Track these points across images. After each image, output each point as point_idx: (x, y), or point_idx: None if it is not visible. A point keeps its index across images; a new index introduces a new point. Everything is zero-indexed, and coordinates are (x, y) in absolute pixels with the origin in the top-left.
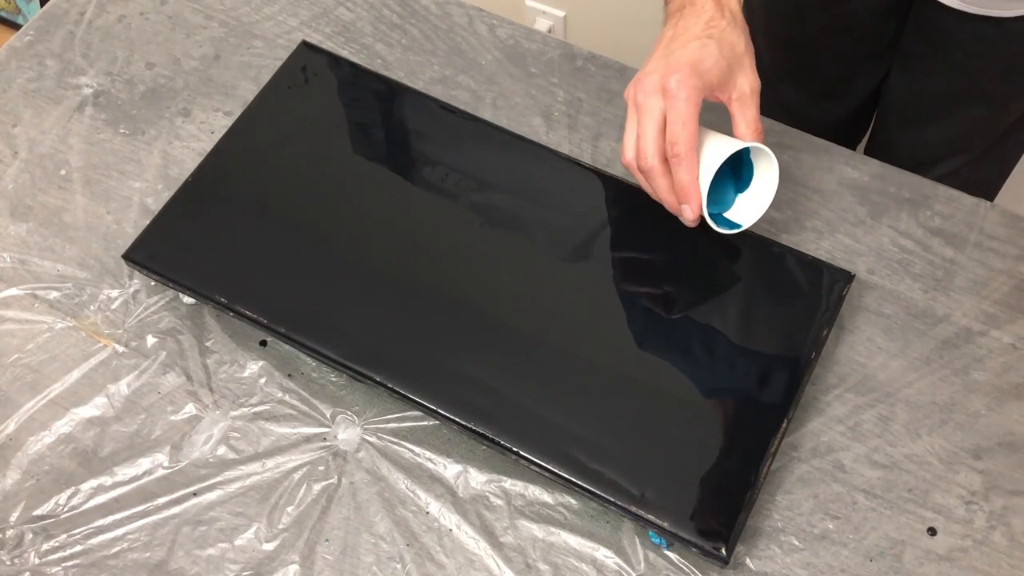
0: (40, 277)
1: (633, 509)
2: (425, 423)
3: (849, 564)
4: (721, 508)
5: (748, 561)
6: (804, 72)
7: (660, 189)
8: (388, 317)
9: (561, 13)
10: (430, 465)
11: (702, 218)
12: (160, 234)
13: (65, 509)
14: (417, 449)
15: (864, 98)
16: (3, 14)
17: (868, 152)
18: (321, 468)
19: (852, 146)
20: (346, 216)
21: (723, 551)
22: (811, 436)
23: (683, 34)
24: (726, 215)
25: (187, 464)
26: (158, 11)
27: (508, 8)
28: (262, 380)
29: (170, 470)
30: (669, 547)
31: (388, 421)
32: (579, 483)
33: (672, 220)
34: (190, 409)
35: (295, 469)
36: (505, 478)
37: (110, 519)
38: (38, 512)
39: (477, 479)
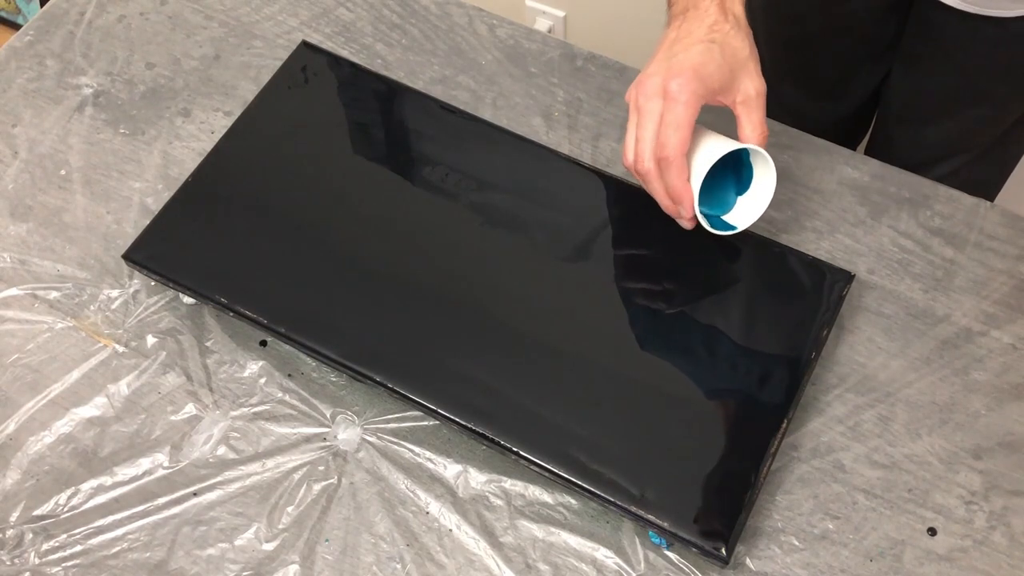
0: (40, 277)
1: (633, 509)
2: (425, 423)
3: (849, 564)
4: (721, 508)
5: (748, 561)
6: (804, 72)
7: (657, 192)
8: (388, 317)
9: (561, 13)
10: (430, 465)
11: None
12: (160, 234)
13: (65, 509)
14: (417, 449)
15: (864, 98)
16: (3, 14)
17: (868, 152)
18: (321, 468)
19: (852, 146)
20: (346, 216)
21: (723, 551)
22: (811, 436)
23: (686, 37)
24: (725, 217)
25: (187, 464)
26: (158, 11)
27: (508, 8)
28: (262, 380)
29: (170, 470)
30: (669, 547)
31: (388, 421)
32: (579, 483)
33: (671, 220)
34: (190, 409)
35: (295, 469)
36: (505, 478)
37: (110, 519)
38: (38, 512)
39: (477, 479)
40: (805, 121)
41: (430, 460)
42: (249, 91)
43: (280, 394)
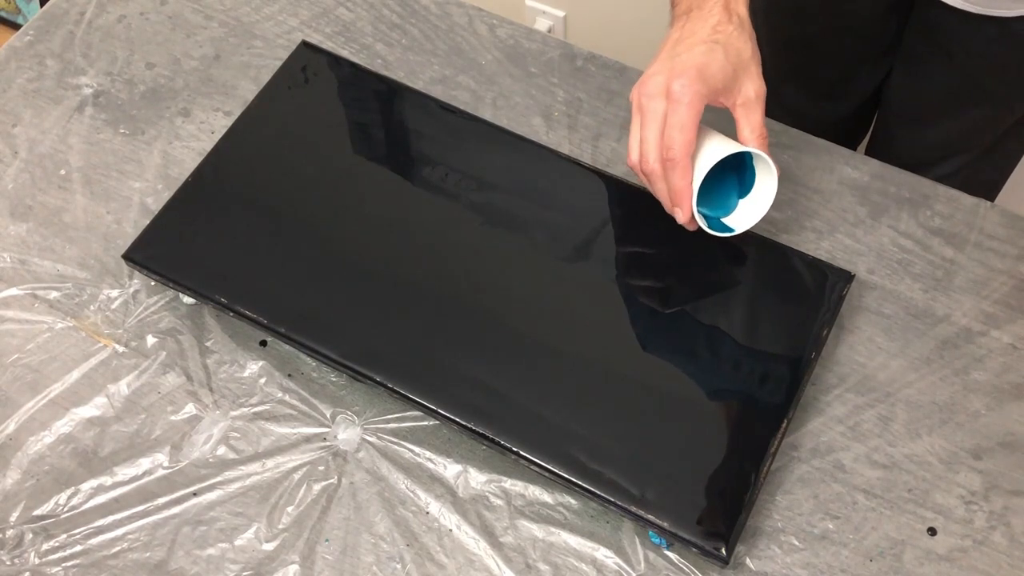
0: (40, 277)
1: (633, 509)
2: (425, 423)
3: (849, 564)
4: (721, 508)
5: (748, 561)
6: (805, 72)
7: (660, 192)
8: (388, 317)
9: (561, 13)
10: (430, 465)
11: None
12: (160, 234)
13: (65, 509)
14: (417, 449)
15: (865, 98)
16: (3, 14)
17: (869, 152)
18: (321, 468)
19: (853, 146)
20: (346, 216)
21: (723, 551)
22: (811, 436)
23: (689, 37)
24: (725, 220)
25: (187, 464)
26: (158, 11)
27: (508, 8)
28: (262, 380)
29: (170, 470)
30: (669, 547)
31: (388, 421)
32: (579, 483)
33: (671, 220)
34: (190, 409)
35: (295, 469)
36: (505, 478)
37: (110, 519)
38: (38, 512)
39: (477, 479)
40: (805, 121)
41: (430, 460)
42: (249, 91)
43: (280, 394)
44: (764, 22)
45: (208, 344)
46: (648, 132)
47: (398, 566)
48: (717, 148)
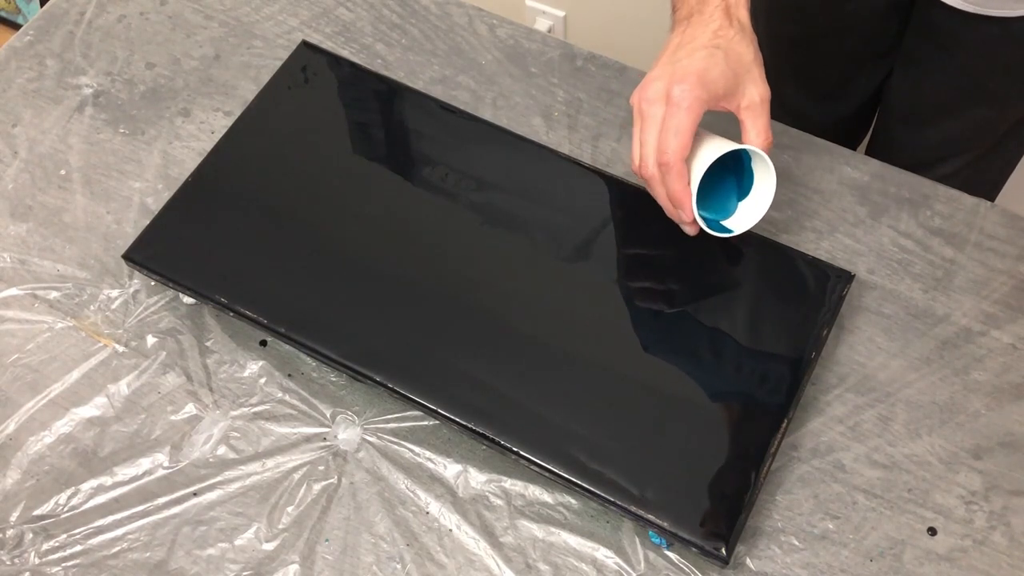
0: (40, 277)
1: (633, 509)
2: (425, 423)
3: (849, 564)
4: (721, 508)
5: (748, 561)
6: (806, 72)
7: (660, 196)
8: (388, 317)
9: (561, 13)
10: (430, 465)
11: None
12: (160, 234)
13: (65, 509)
14: (417, 449)
15: (866, 98)
16: (3, 14)
17: (870, 152)
18: (321, 468)
19: (853, 146)
20: (346, 216)
21: (723, 551)
22: (811, 436)
23: (690, 42)
24: (725, 222)
25: (187, 464)
26: (158, 11)
27: (508, 8)
28: (262, 380)
29: (170, 470)
30: (669, 547)
31: (388, 421)
32: (579, 483)
33: (671, 220)
34: (190, 409)
35: (295, 469)
36: (505, 478)
37: (110, 519)
38: (38, 512)
39: (477, 479)
40: (806, 121)
41: (430, 460)
42: (249, 91)
43: (280, 394)
44: (764, 22)
45: (208, 344)
46: (647, 137)
47: (398, 566)
48: (714, 148)
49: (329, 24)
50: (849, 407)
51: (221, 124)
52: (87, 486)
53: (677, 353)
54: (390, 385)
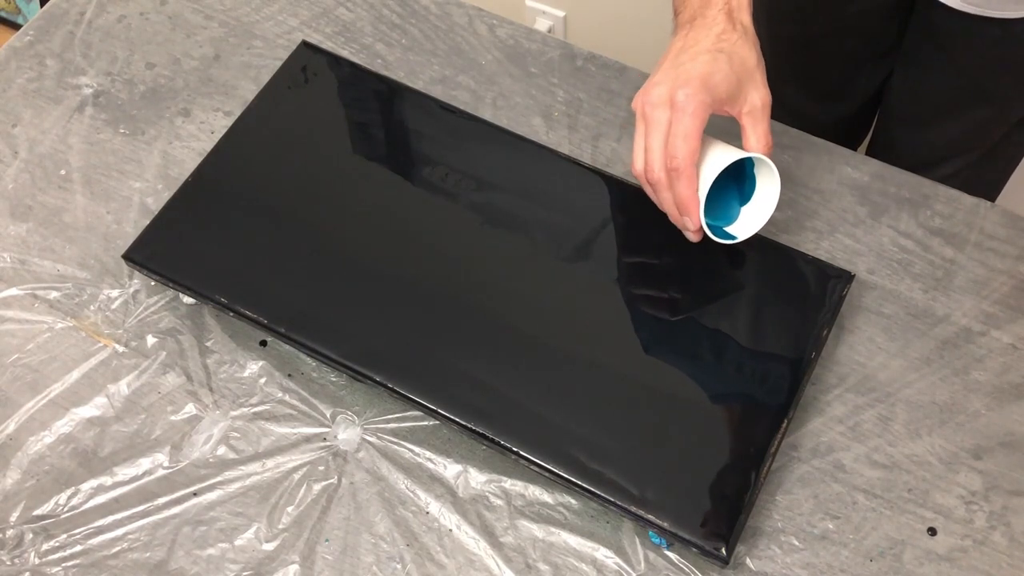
0: (40, 277)
1: (633, 509)
2: (425, 423)
3: (849, 564)
4: (721, 508)
5: (748, 561)
6: (807, 72)
7: (665, 201)
8: (388, 317)
9: (561, 13)
10: (430, 465)
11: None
12: (160, 234)
13: (65, 509)
14: (417, 449)
15: (866, 99)
16: (3, 14)
17: (870, 153)
18: (321, 468)
19: (854, 147)
20: (346, 216)
21: (723, 551)
22: (811, 436)
23: (693, 46)
24: (729, 228)
25: (187, 464)
26: (158, 11)
27: (508, 8)
28: (262, 380)
29: (170, 470)
30: (669, 547)
31: (388, 421)
32: (579, 483)
33: (671, 221)
34: (190, 409)
35: (295, 469)
36: (505, 478)
37: (110, 519)
38: (38, 512)
39: (477, 479)
40: (806, 121)
41: (430, 460)
42: (249, 91)
43: (280, 394)
44: (765, 23)
45: (208, 344)
46: (653, 141)
47: (398, 566)
48: (722, 155)
49: (329, 24)
50: (849, 407)
51: (221, 124)
52: (87, 486)
53: (677, 353)
54: (390, 385)
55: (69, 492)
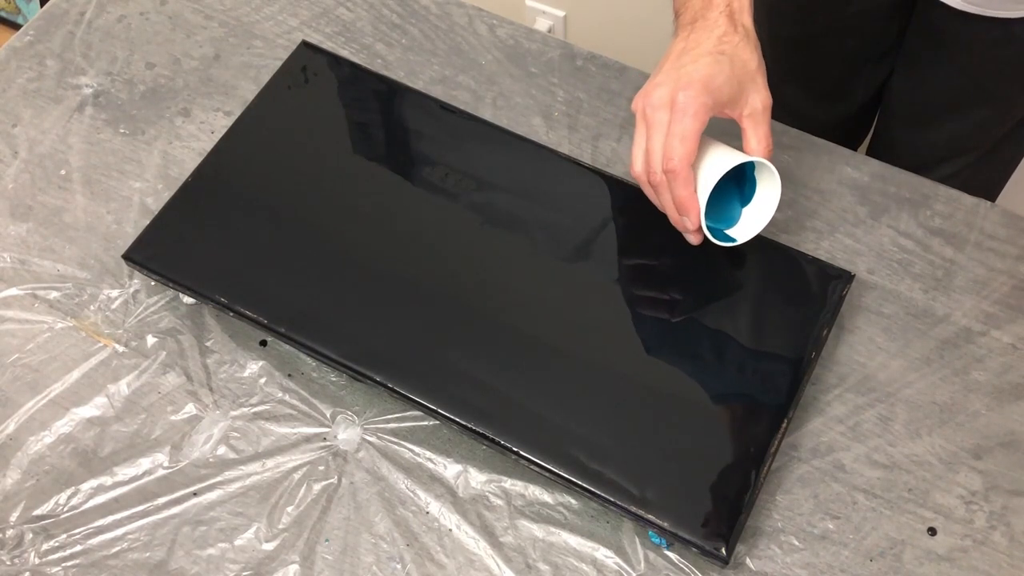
0: (40, 277)
1: (633, 509)
2: (425, 423)
3: (849, 564)
4: (721, 508)
5: (748, 561)
6: (807, 72)
7: (665, 203)
8: (388, 317)
9: (561, 13)
10: (430, 465)
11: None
12: (160, 234)
13: (65, 509)
14: (417, 449)
15: (867, 99)
16: (3, 14)
17: (870, 153)
18: (321, 468)
19: (854, 147)
20: (346, 216)
21: (723, 551)
22: (811, 436)
23: (694, 48)
24: (730, 231)
25: (187, 464)
26: (158, 11)
27: (508, 8)
28: (262, 380)
29: (170, 470)
30: (669, 547)
31: (388, 421)
32: (579, 483)
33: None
34: (190, 409)
35: (295, 469)
36: (505, 478)
37: (110, 519)
38: (38, 512)
39: (477, 479)
40: (807, 121)
41: (430, 460)
42: (249, 91)
43: (280, 394)
44: (766, 22)
45: (208, 344)
46: (653, 143)
47: (398, 566)
48: (723, 159)
49: (329, 24)
50: (849, 407)
51: (221, 124)
52: (87, 486)
53: (677, 353)
54: (390, 385)
55: (69, 492)
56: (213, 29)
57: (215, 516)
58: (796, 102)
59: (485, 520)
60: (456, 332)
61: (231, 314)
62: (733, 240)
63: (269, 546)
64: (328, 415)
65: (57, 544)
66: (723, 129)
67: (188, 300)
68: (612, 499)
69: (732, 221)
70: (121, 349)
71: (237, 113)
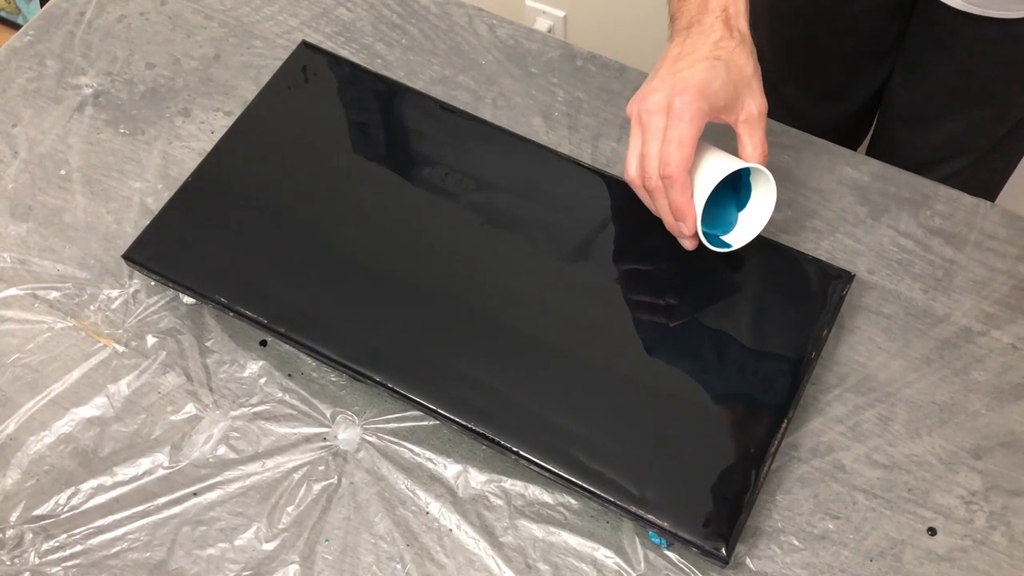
0: (40, 277)
1: (633, 509)
2: (425, 423)
3: (849, 564)
4: (721, 508)
5: (748, 561)
6: (807, 72)
7: (661, 208)
8: (388, 317)
9: (561, 13)
10: (430, 465)
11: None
12: (160, 234)
13: (65, 509)
14: (417, 449)
15: (867, 99)
16: (3, 14)
17: (871, 153)
18: (321, 468)
19: (854, 147)
20: (346, 216)
21: (723, 551)
22: (811, 436)
23: (691, 53)
24: (725, 237)
25: (187, 464)
26: (158, 11)
27: (508, 8)
28: (262, 380)
29: (170, 470)
30: (669, 547)
31: (388, 421)
32: (579, 483)
33: None
34: (190, 409)
35: (295, 469)
36: (505, 478)
37: (110, 519)
38: (38, 512)
39: (477, 479)
40: (807, 121)
41: (430, 460)
42: (249, 91)
43: (280, 394)
44: (766, 22)
45: (208, 344)
46: (649, 148)
47: (398, 566)
48: (719, 164)
49: (329, 24)
50: (849, 407)
51: (221, 124)
52: (87, 486)
53: (677, 353)
54: (390, 385)
55: (69, 492)
56: (213, 29)
57: (215, 516)
58: (796, 102)
59: (485, 520)
60: (456, 332)
61: (231, 314)
62: (728, 246)
63: (269, 546)
64: (328, 415)
65: (57, 544)
66: (722, 131)
67: (188, 300)
68: (612, 499)
69: (727, 226)
70: (121, 349)
71: (237, 113)
